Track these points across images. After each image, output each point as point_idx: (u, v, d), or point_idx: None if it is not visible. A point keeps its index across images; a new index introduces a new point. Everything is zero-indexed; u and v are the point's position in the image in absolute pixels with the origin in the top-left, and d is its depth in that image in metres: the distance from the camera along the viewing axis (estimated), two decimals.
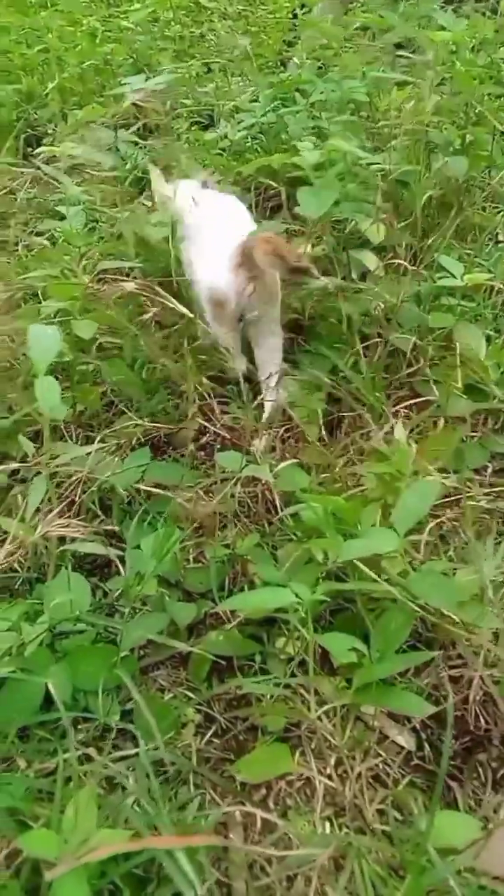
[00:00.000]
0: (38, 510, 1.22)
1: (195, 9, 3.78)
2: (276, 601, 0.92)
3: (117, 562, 1.11)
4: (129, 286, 1.31)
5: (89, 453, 1.08)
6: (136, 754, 0.96)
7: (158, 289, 1.39)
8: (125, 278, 1.51)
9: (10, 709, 0.93)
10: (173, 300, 1.37)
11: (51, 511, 0.94)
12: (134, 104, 1.91)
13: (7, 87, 2.85)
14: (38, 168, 2.06)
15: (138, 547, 1.14)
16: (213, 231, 1.57)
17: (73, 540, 1.00)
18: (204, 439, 1.59)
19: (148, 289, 1.37)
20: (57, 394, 0.92)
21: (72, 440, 1.50)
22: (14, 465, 1.08)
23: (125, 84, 2.12)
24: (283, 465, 1.26)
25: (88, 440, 1.56)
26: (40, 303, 1.70)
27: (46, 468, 0.95)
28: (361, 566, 0.95)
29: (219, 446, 1.57)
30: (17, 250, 2.12)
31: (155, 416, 1.55)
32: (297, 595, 0.91)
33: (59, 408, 0.91)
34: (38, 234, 2.17)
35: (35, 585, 1.25)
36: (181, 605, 1.19)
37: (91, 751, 1.03)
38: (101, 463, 1.15)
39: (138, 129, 2.40)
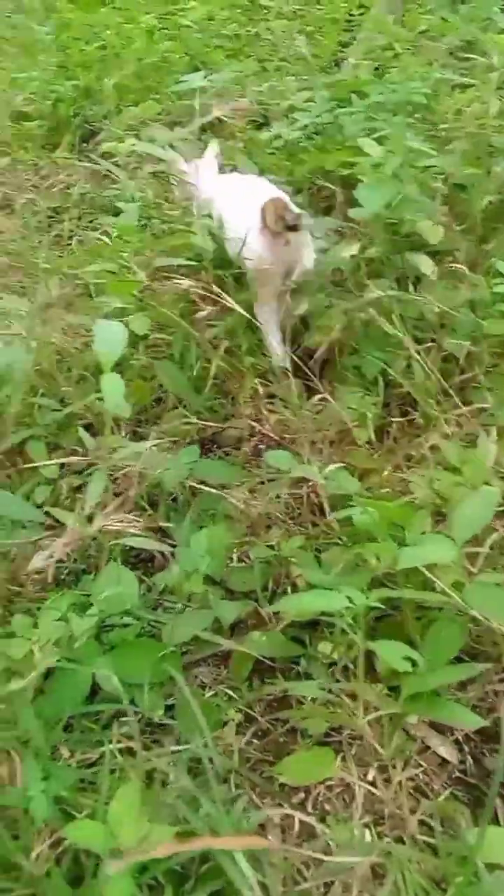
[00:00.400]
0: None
1: (251, 7, 3.79)
2: (329, 605, 0.92)
3: (169, 556, 1.12)
4: (185, 284, 1.31)
5: (145, 450, 1.09)
6: (180, 750, 0.96)
7: (214, 287, 1.39)
8: (179, 276, 1.52)
9: (59, 698, 0.94)
10: (228, 298, 1.37)
11: (105, 505, 0.95)
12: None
13: (66, 82, 2.89)
14: (96, 163, 2.08)
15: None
16: (240, 201, 1.66)
17: (125, 535, 1.00)
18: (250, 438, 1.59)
19: (203, 287, 1.38)
20: (122, 391, 0.92)
21: (119, 433, 1.51)
22: (76, 459, 1.09)
23: (183, 81, 2.14)
24: (331, 467, 1.25)
25: (136, 434, 1.58)
26: (91, 297, 1.73)
27: (105, 463, 0.96)
28: (426, 572, 0.94)
29: (263, 445, 1.57)
30: (71, 244, 2.16)
31: (202, 412, 1.56)
32: (350, 599, 0.90)
33: (122, 405, 0.92)
34: (92, 228, 2.19)
35: (81, 576, 1.27)
36: (226, 604, 1.19)
37: (134, 744, 1.04)
38: (150, 458, 1.15)
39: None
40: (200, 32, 3.18)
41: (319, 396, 1.48)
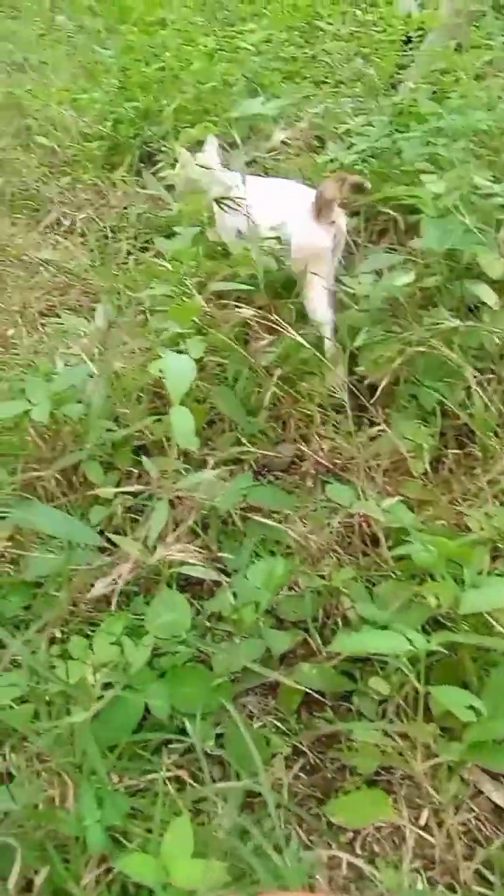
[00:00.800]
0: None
1: (308, 29, 3.82)
2: (390, 647, 0.90)
3: (224, 583, 1.11)
4: (247, 313, 1.32)
5: (206, 479, 1.09)
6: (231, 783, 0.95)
7: (276, 317, 1.39)
8: (235, 301, 1.53)
9: (113, 724, 0.95)
10: (289, 328, 1.37)
11: (166, 535, 0.95)
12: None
13: (126, 104, 2.95)
14: (151, 185, 2.11)
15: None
16: (271, 198, 1.79)
17: (182, 563, 1.01)
18: (302, 464, 1.59)
19: (260, 314, 1.38)
20: (192, 425, 0.93)
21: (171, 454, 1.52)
22: (140, 488, 1.10)
23: (242, 105, 2.17)
24: (388, 501, 1.24)
25: (187, 456, 1.59)
26: (146, 318, 1.75)
27: (168, 493, 0.96)
28: (486, 615, 0.92)
29: (314, 471, 1.56)
30: (127, 264, 2.19)
31: (255, 436, 1.56)
32: (411, 642, 0.89)
33: (193, 440, 0.92)
34: (147, 249, 2.23)
35: (133, 598, 1.27)
36: (277, 634, 1.18)
37: (181, 773, 1.04)
38: (209, 485, 1.15)
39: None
40: (258, 55, 3.21)
41: (376, 427, 1.46)
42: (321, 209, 1.63)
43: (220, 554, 1.20)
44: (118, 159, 2.74)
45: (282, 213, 1.75)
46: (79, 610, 1.25)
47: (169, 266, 1.76)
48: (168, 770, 1.03)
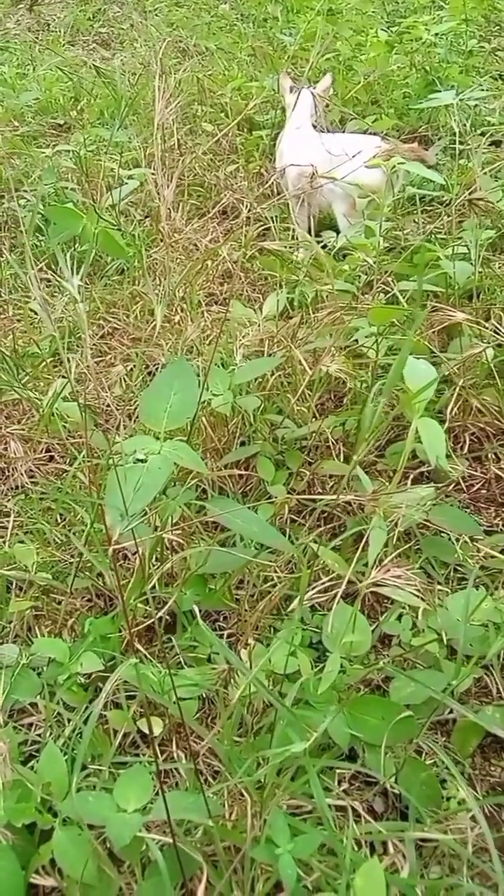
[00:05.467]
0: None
1: (484, 24, 3.64)
2: None
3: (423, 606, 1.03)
4: (460, 316, 1.23)
5: (419, 496, 1.02)
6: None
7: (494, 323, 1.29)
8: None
9: (290, 742, 0.89)
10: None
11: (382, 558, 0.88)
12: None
13: None
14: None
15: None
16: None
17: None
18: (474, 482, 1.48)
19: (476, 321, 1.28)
20: (443, 437, 0.85)
21: (339, 459, 1.45)
22: (351, 497, 1.04)
23: (432, 98, 2.05)
24: None
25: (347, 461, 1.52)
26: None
27: (380, 507, 0.89)
28: None
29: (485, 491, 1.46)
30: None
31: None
32: None
33: (443, 453, 0.84)
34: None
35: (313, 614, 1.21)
36: (455, 667, 1.09)
37: (353, 803, 0.98)
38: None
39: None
40: (435, 48, 3.08)
41: None
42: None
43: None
44: None
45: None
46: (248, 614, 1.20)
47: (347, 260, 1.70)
48: (339, 798, 0.97)
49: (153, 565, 1.13)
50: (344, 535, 1.12)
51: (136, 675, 0.84)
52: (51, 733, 1.04)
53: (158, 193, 1.03)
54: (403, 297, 1.45)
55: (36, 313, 1.95)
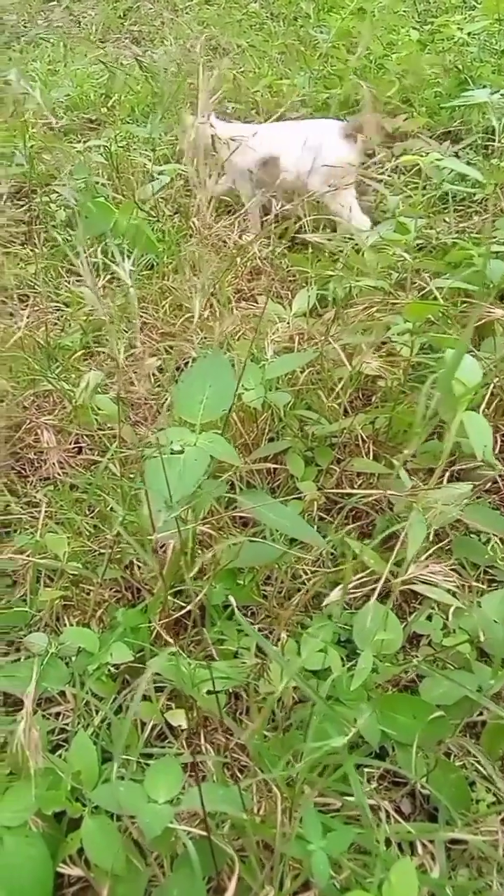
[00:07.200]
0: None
1: None
2: None
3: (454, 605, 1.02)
4: (498, 313, 1.21)
5: (458, 493, 1.01)
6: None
7: None
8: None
9: (323, 739, 0.88)
10: None
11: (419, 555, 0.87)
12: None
13: (324, 91, 2.89)
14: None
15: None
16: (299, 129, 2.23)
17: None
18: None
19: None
20: (489, 433, 0.84)
21: (368, 457, 1.44)
22: (367, 492, 1.03)
23: (466, 96, 2.03)
24: None
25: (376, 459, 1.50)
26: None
27: (421, 503, 0.89)
28: None
29: None
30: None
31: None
32: None
33: (489, 449, 0.83)
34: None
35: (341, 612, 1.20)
36: (488, 671, 1.08)
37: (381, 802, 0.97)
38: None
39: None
40: (468, 47, 3.05)
41: None
42: (350, 134, 2.11)
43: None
44: None
45: (314, 136, 2.16)
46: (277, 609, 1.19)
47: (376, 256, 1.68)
48: (369, 797, 0.96)
49: (184, 558, 1.13)
50: (379, 531, 1.10)
51: (175, 665, 0.84)
52: (79, 722, 1.04)
53: (200, 183, 1.02)
54: (439, 294, 1.43)
55: (68, 306, 1.97)
